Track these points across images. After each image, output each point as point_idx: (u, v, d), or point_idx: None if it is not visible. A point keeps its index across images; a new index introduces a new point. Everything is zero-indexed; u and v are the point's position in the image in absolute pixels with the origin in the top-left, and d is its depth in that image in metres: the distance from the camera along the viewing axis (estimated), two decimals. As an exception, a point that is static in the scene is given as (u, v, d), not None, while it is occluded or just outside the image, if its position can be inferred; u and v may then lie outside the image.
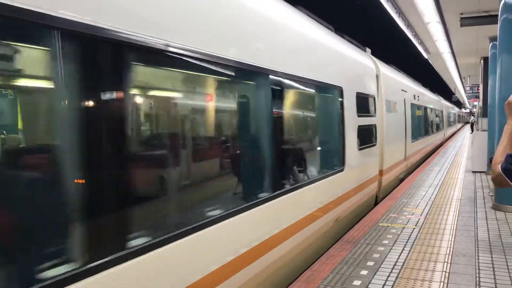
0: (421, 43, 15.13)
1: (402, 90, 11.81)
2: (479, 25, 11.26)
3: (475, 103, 30.46)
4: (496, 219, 6.98)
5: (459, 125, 55.66)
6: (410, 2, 9.97)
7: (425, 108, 17.30)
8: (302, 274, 4.60)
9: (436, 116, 22.35)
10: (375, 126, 8.44)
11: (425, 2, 9.84)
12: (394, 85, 10.99)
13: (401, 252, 5.26)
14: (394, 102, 10.49)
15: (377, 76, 8.95)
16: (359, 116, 7.23)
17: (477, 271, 4.66)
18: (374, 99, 8.46)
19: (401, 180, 11.43)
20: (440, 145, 24.09)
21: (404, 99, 11.93)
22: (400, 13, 11.08)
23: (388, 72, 10.55)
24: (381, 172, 8.96)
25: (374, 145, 8.38)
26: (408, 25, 12.35)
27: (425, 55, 17.28)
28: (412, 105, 13.47)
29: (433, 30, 12.57)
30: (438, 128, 22.78)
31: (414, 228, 6.34)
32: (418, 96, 14.87)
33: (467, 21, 11.11)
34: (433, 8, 10.20)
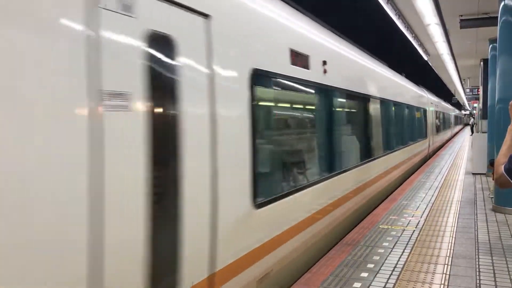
0: (421, 45, 15.14)
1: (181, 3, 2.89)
2: (479, 27, 11.27)
3: (475, 105, 30.45)
4: (496, 221, 6.96)
5: (456, 128, 44.89)
6: (409, 4, 9.98)
7: (368, 101, 8.19)
8: (302, 276, 4.58)
9: (410, 118, 13.07)
10: None
11: (424, 4, 9.84)
12: None
13: (401, 254, 5.24)
14: None
15: None
16: None
17: (477, 273, 4.65)
18: None
19: None
20: (423, 161, 15.97)
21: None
22: (400, 15, 11.09)
23: None
24: None
25: None
26: (408, 27, 12.36)
27: (425, 57, 17.29)
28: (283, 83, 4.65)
29: (433, 32, 12.58)
30: (413, 138, 13.28)
31: (414, 230, 6.32)
32: (325, 63, 5.61)
33: (467, 23, 11.11)
34: (433, 10, 10.21)
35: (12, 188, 1.94)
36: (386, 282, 4.39)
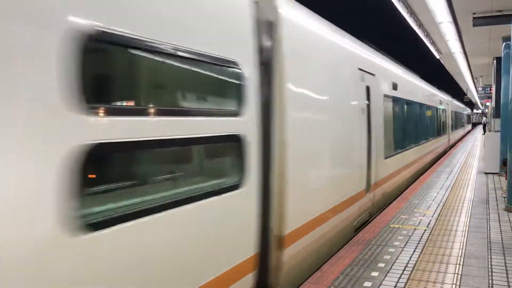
0: (433, 43, 15.01)
1: None
2: (492, 25, 11.14)
3: (488, 103, 30.14)
4: (509, 221, 6.89)
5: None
6: (421, 2, 9.90)
7: None
8: (312, 275, 4.59)
9: None
10: None
11: (437, 2, 9.75)
12: None
13: (412, 254, 5.22)
14: None
15: None
16: None
17: (490, 273, 4.61)
18: None
19: None
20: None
21: None
22: (412, 13, 11.00)
23: None
24: None
25: None
26: (420, 25, 12.25)
27: (437, 56, 17.14)
28: None
29: (445, 30, 12.46)
30: None
31: (425, 230, 6.29)
32: None
33: (480, 21, 10.99)
34: (445, 8, 10.11)
35: None
36: (397, 282, 4.38)
